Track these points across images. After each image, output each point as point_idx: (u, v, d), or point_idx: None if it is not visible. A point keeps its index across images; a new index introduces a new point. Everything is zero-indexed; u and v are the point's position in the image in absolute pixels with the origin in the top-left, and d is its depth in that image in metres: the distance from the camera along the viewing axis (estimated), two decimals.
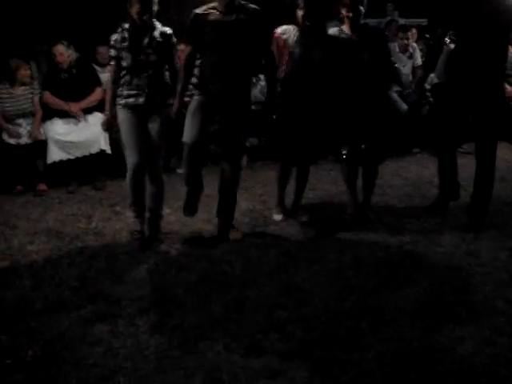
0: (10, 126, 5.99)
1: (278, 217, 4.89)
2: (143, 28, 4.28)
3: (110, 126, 4.56)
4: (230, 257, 4.11)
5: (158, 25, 4.35)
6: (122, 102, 4.36)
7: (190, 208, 4.54)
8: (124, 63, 4.31)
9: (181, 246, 4.40)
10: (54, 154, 5.89)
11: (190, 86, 4.68)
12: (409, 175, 6.09)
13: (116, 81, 4.39)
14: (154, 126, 4.37)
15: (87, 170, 6.03)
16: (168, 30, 4.37)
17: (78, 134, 5.77)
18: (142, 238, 4.45)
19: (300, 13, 4.41)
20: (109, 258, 4.19)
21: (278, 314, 3.30)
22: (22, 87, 6.06)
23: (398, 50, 7.32)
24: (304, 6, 4.38)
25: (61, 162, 5.93)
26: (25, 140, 5.96)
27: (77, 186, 5.96)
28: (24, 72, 6.01)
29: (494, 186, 5.63)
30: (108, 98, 4.52)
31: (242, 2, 4.23)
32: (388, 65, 4.67)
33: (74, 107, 6.00)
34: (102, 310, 3.45)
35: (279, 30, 4.56)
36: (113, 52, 4.38)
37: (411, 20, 9.10)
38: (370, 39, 4.55)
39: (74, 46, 6.14)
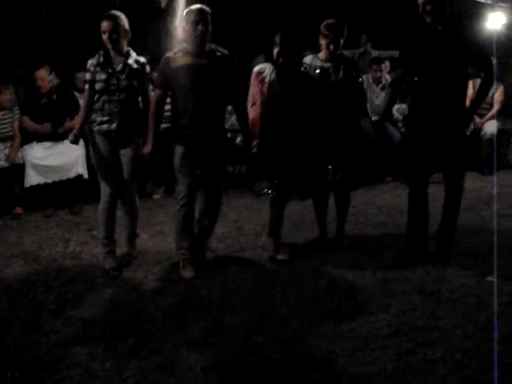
0: None
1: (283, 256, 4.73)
2: (117, 54, 4.34)
3: (76, 139, 4.51)
4: (207, 282, 4.17)
5: (133, 53, 4.43)
6: (96, 128, 4.40)
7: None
8: (97, 86, 4.36)
9: (158, 270, 4.44)
10: (32, 178, 5.92)
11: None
12: (382, 203, 6.21)
13: (89, 103, 4.43)
14: (126, 153, 4.41)
15: (64, 195, 6.06)
16: (142, 59, 4.44)
17: (55, 159, 5.81)
18: (119, 272, 4.43)
19: (276, 50, 4.47)
20: (86, 282, 4.24)
21: (255, 338, 3.36)
22: (2, 111, 6.11)
23: (371, 81, 7.51)
24: (279, 43, 4.45)
25: (38, 185, 5.96)
26: (2, 163, 5.99)
27: (54, 210, 5.99)
28: (4, 97, 6.06)
29: (463, 214, 5.82)
30: (80, 116, 4.54)
31: (213, 46, 4.32)
32: (358, 94, 4.79)
33: (45, 127, 6.09)
34: (80, 333, 3.48)
35: (256, 68, 4.63)
36: (88, 76, 4.42)
37: (384, 52, 9.29)
38: (344, 68, 4.62)
39: (55, 72, 6.19)
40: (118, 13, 4.33)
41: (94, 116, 4.41)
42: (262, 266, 4.52)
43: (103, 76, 4.33)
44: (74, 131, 4.49)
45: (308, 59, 4.69)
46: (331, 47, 4.54)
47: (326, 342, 3.32)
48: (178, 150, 4.33)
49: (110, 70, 4.33)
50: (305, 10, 9.79)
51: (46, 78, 6.02)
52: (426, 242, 4.63)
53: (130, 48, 4.41)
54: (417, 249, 4.60)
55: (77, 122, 4.65)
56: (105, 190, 4.46)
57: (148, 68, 4.48)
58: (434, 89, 4.36)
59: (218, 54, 4.31)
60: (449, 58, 4.29)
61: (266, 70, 4.54)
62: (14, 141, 6.11)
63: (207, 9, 4.24)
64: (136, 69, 4.36)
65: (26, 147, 6.10)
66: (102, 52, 4.39)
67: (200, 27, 4.14)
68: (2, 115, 6.12)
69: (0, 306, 3.86)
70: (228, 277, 4.28)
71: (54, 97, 6.07)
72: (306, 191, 4.81)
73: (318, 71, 4.59)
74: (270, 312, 3.69)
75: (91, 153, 4.56)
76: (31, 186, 5.95)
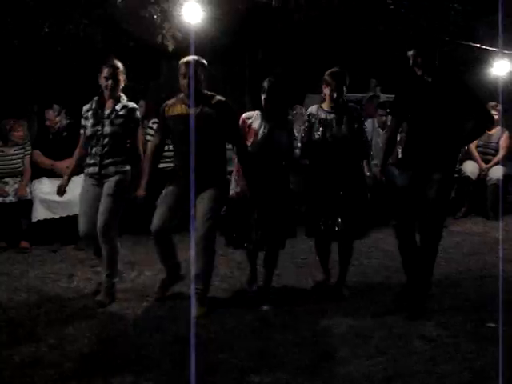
0: None
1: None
2: (109, 98, 4.51)
3: (61, 191, 4.72)
4: (206, 320, 4.20)
5: (124, 99, 4.58)
6: (85, 170, 4.61)
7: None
8: (87, 132, 4.54)
9: (159, 306, 4.47)
10: (40, 213, 6.01)
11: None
12: (387, 247, 6.19)
13: (81, 148, 4.65)
14: (104, 191, 4.52)
15: (70, 230, 6.12)
16: (130, 105, 4.58)
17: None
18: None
19: (263, 96, 4.57)
20: (87, 317, 4.28)
21: (251, 378, 3.37)
22: (15, 147, 6.24)
23: (377, 125, 7.60)
24: (266, 90, 4.54)
25: (45, 220, 6.04)
26: (10, 198, 6.08)
27: (60, 245, 6.07)
28: (17, 133, 6.19)
29: (468, 259, 5.84)
30: (71, 162, 4.76)
31: (209, 93, 4.43)
32: (361, 142, 4.82)
33: (60, 164, 6.14)
34: (78, 367, 3.50)
35: (245, 114, 4.72)
36: (82, 121, 4.61)
37: (392, 96, 9.39)
38: (347, 120, 4.70)
39: (67, 108, 6.33)
40: (119, 63, 4.51)
41: (87, 159, 4.59)
42: (264, 305, 4.51)
43: (92, 121, 4.50)
44: (62, 181, 4.70)
45: (313, 109, 4.80)
46: (335, 95, 4.63)
47: None
48: (167, 187, 4.49)
49: (98, 116, 4.50)
50: (316, 53, 9.97)
51: (53, 119, 6.19)
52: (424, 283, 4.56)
53: (122, 94, 4.57)
54: (414, 290, 4.53)
55: (69, 167, 4.80)
56: (80, 230, 4.59)
57: (138, 113, 4.63)
58: (423, 137, 4.43)
59: (213, 101, 4.40)
60: (438, 109, 4.36)
61: (253, 117, 4.64)
62: (23, 175, 6.22)
63: (199, 60, 4.37)
64: (122, 115, 4.51)
65: (35, 182, 6.21)
66: (96, 98, 4.57)
67: (187, 80, 4.29)
68: (14, 151, 6.24)
69: (0, 339, 3.89)
70: (228, 316, 4.30)
71: (64, 134, 6.20)
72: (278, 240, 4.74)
73: (320, 129, 4.68)
74: (267, 353, 3.70)
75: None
76: (38, 221, 6.04)
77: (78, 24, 6.32)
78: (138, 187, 4.58)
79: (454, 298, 4.73)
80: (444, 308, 4.52)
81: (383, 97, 9.79)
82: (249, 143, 4.59)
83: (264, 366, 3.53)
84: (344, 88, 4.66)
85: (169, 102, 4.49)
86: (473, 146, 7.57)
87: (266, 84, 4.56)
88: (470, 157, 7.71)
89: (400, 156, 6.20)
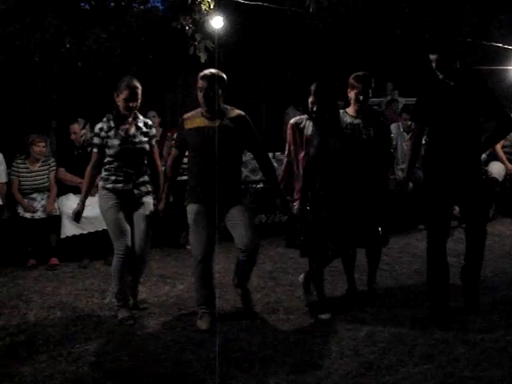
0: (26, 201, 6.12)
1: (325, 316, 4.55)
2: (127, 117, 4.49)
3: (78, 217, 4.64)
4: (246, 334, 4.16)
5: (140, 115, 4.59)
6: (109, 186, 4.49)
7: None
8: (110, 151, 4.46)
9: (196, 321, 4.40)
10: (68, 229, 5.99)
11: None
12: (416, 251, 6.14)
13: (95, 168, 4.56)
14: (139, 213, 4.54)
15: (99, 245, 6.11)
16: (149, 122, 4.64)
17: (91, 210, 5.84)
18: (133, 321, 4.47)
19: (310, 99, 4.46)
20: (125, 334, 4.24)
21: None
22: (39, 163, 6.23)
23: (401, 129, 7.55)
24: (313, 93, 4.44)
25: (73, 236, 6.02)
26: (39, 214, 6.07)
27: (89, 260, 6.05)
28: (38, 148, 6.17)
29: (500, 261, 5.77)
30: (85, 184, 4.64)
31: (228, 107, 4.40)
32: (387, 148, 4.79)
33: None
34: None
35: (293, 120, 4.64)
36: (97, 140, 4.50)
37: (410, 99, 9.37)
38: (373, 124, 4.66)
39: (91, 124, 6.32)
40: (137, 83, 4.46)
41: (106, 174, 4.51)
42: (301, 317, 4.47)
43: (117, 140, 4.44)
44: (77, 208, 4.62)
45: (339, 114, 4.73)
46: (361, 98, 4.58)
47: None
48: (191, 208, 4.38)
49: (122, 134, 4.46)
50: (331, 59, 9.96)
51: (78, 132, 6.18)
52: (447, 294, 4.48)
53: (136, 111, 4.54)
54: (440, 303, 4.47)
55: (83, 189, 4.70)
56: (118, 247, 4.48)
57: (154, 130, 4.68)
58: (447, 141, 4.39)
59: (231, 115, 4.37)
60: (460, 113, 4.32)
61: (303, 122, 4.56)
62: (50, 192, 6.21)
63: (218, 74, 4.31)
64: (146, 132, 4.56)
65: (62, 198, 6.20)
66: (111, 116, 4.52)
67: (206, 94, 4.25)
68: (39, 167, 6.23)
69: (39, 359, 3.86)
70: (267, 328, 4.26)
71: (89, 149, 6.18)
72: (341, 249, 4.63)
73: (345, 129, 4.61)
74: (312, 364, 3.65)
75: (101, 211, 4.60)
76: (66, 237, 6.02)
77: (97, 39, 6.31)
78: (158, 201, 4.60)
79: (492, 301, 4.66)
80: (479, 311, 4.45)
81: (402, 100, 9.77)
82: (304, 151, 4.50)
83: (311, 378, 3.49)
84: (370, 91, 4.62)
85: (188, 115, 4.45)
86: (499, 146, 7.48)
87: (313, 87, 4.45)
88: (496, 158, 7.62)
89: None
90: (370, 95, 4.66)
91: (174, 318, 4.51)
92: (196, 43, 5.68)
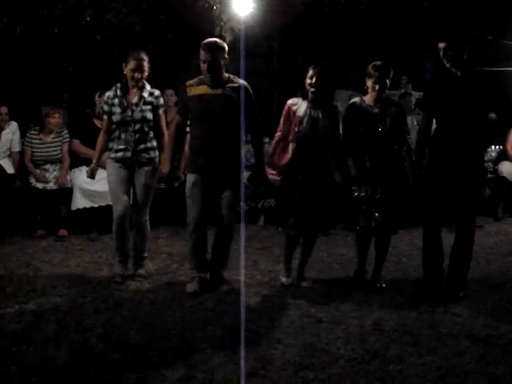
0: (38, 171, 6.13)
1: (285, 280, 4.89)
2: (134, 87, 4.63)
3: (93, 174, 4.86)
4: (253, 315, 4.19)
5: (147, 86, 4.71)
6: (112, 155, 4.73)
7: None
8: (113, 119, 4.66)
9: (204, 300, 4.45)
10: (79, 202, 6.02)
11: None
12: None
13: (106, 133, 4.76)
14: (139, 180, 4.73)
15: (108, 219, 6.11)
16: (156, 92, 4.74)
17: (103, 184, 5.87)
18: (122, 282, 4.75)
19: (308, 80, 4.58)
20: (134, 308, 4.28)
21: (305, 374, 3.35)
22: (52, 134, 6.25)
23: (415, 123, 7.55)
24: (311, 76, 4.56)
25: (83, 209, 6.05)
26: (51, 185, 6.09)
27: (97, 234, 6.07)
28: (53, 119, 6.18)
29: (506, 260, 5.79)
30: (97, 148, 4.87)
31: (231, 77, 4.46)
32: (404, 138, 4.79)
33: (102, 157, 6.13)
34: (129, 358, 3.50)
35: (290, 101, 4.72)
36: (105, 107, 4.74)
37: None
38: (391, 112, 4.69)
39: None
40: (145, 55, 4.62)
41: (110, 144, 4.74)
42: (307, 302, 4.50)
43: (119, 108, 4.62)
44: (92, 165, 4.83)
45: (356, 101, 4.76)
46: (377, 87, 4.61)
47: (375, 383, 3.30)
48: (190, 178, 4.51)
49: (125, 103, 4.62)
50: (347, 50, 9.91)
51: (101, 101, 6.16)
52: (441, 280, 4.68)
53: (145, 81, 4.67)
54: (433, 288, 4.67)
55: (95, 152, 4.92)
56: (114, 212, 4.76)
57: (162, 100, 4.79)
58: (453, 132, 4.44)
59: (234, 84, 4.43)
60: (466, 103, 4.37)
61: (298, 103, 4.65)
62: (63, 164, 6.23)
63: (219, 43, 4.41)
64: (150, 101, 4.68)
65: (75, 170, 6.21)
66: (118, 85, 4.70)
67: (209, 65, 4.31)
68: (52, 138, 6.24)
69: (48, 327, 3.90)
70: (274, 310, 4.29)
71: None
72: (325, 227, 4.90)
73: (364, 123, 4.65)
74: (319, 349, 3.68)
75: (106, 177, 4.85)
76: (76, 209, 6.04)
77: (117, 14, 6.29)
78: (162, 167, 4.71)
79: (497, 299, 4.68)
80: (487, 309, 4.47)
81: (415, 94, 9.74)
82: (293, 130, 4.60)
83: (317, 362, 3.51)
84: (387, 81, 4.64)
85: (190, 82, 4.51)
86: (509, 146, 7.49)
87: (311, 70, 4.56)
88: (506, 157, 7.61)
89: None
90: (388, 85, 4.68)
91: (183, 296, 4.53)
92: (223, 23, 5.67)
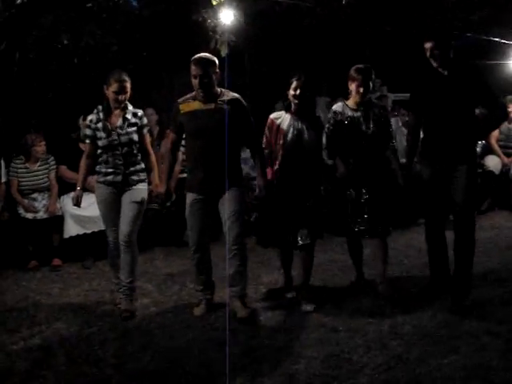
0: (26, 201, 5.98)
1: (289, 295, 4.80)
2: (117, 109, 4.54)
3: (78, 202, 4.75)
4: (268, 330, 4.12)
5: (130, 106, 4.61)
6: (101, 179, 4.61)
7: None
8: (99, 143, 4.56)
9: (214, 320, 4.34)
10: (71, 229, 5.87)
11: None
12: (421, 246, 6.02)
13: (89, 158, 4.67)
14: (127, 198, 4.58)
15: (101, 245, 5.98)
16: (139, 112, 4.65)
17: (94, 209, 5.70)
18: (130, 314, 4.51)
19: (291, 92, 4.49)
20: (143, 334, 4.15)
21: None
22: (38, 162, 6.09)
23: (400, 124, 7.57)
24: (295, 87, 4.46)
25: (76, 236, 5.90)
26: (41, 215, 5.93)
27: (92, 261, 5.91)
28: (39, 148, 6.04)
29: (506, 253, 5.80)
30: (80, 173, 4.78)
31: (223, 90, 4.39)
32: (388, 139, 4.79)
33: (91, 178, 5.99)
34: None
35: (273, 115, 4.67)
36: (88, 131, 4.64)
37: (399, 95, 9.39)
38: (375, 114, 4.69)
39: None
40: (126, 76, 4.51)
41: (98, 167, 4.64)
42: (319, 311, 4.43)
43: (104, 133, 4.52)
44: (77, 192, 4.73)
45: (338, 107, 4.74)
46: (361, 90, 4.59)
47: None
48: (189, 197, 4.42)
49: (109, 127, 4.53)
50: (317, 57, 9.92)
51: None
52: (448, 278, 4.65)
53: (127, 102, 4.58)
54: (439, 287, 4.67)
55: (78, 177, 4.82)
56: (108, 237, 4.70)
57: (145, 119, 4.70)
58: (442, 130, 4.45)
59: (227, 97, 4.35)
60: (454, 101, 4.38)
61: (281, 116, 4.60)
62: (51, 191, 6.07)
63: (210, 58, 4.33)
64: (134, 122, 4.59)
65: (65, 197, 6.05)
66: (100, 107, 4.60)
67: (201, 80, 4.24)
68: (38, 166, 6.09)
69: (58, 361, 3.76)
70: (288, 323, 4.22)
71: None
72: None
73: (346, 122, 4.64)
74: (342, 359, 3.62)
75: (96, 201, 4.75)
76: (69, 237, 5.89)
77: (93, 35, 6.19)
78: (156, 186, 4.67)
79: (504, 292, 4.66)
80: (495, 303, 4.47)
81: (391, 96, 9.77)
82: (279, 144, 4.54)
83: (342, 372, 3.46)
84: (370, 83, 4.63)
85: (182, 99, 4.43)
86: (494, 140, 7.55)
87: (295, 82, 4.47)
88: (490, 151, 7.67)
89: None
90: (371, 87, 4.68)
91: (191, 317, 4.42)
92: (218, 36, 5.60)
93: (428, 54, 4.40)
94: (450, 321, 4.15)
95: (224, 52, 5.68)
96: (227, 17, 5.52)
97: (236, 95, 4.40)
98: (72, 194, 5.89)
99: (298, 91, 4.46)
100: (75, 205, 4.79)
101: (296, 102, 4.50)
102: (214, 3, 5.34)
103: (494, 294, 4.63)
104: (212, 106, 4.32)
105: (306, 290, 4.64)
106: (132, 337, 4.10)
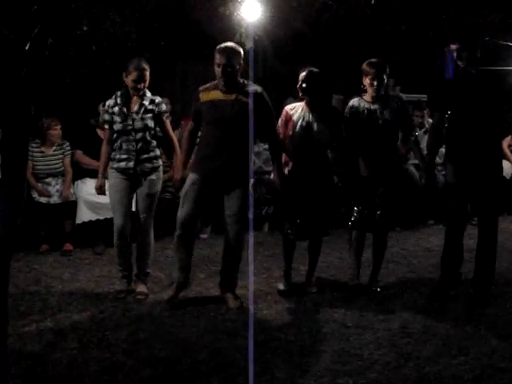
0: (40, 185, 6.00)
1: (282, 287, 4.84)
2: (134, 95, 4.55)
3: (102, 190, 4.79)
4: (278, 323, 4.15)
5: (148, 93, 4.62)
6: (115, 165, 4.62)
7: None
8: (114, 127, 4.58)
9: (225, 311, 4.38)
10: (84, 215, 5.90)
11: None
12: (430, 246, 6.18)
13: (109, 144, 4.67)
14: (142, 189, 4.61)
15: (113, 232, 6.00)
16: (157, 99, 4.65)
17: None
18: (126, 297, 4.62)
19: (299, 85, 4.54)
20: (155, 321, 4.18)
21: (344, 380, 3.31)
22: (54, 147, 6.11)
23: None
24: (304, 80, 4.51)
25: (88, 222, 5.92)
26: (54, 199, 5.96)
27: (103, 247, 5.94)
28: (54, 131, 6.05)
29: (508, 257, 5.83)
30: (101, 160, 4.79)
31: (245, 82, 4.38)
32: (410, 128, 4.82)
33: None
34: (160, 374, 3.41)
35: (288, 106, 4.73)
36: (106, 116, 4.67)
37: (412, 95, 9.37)
38: (392, 106, 4.69)
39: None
40: (146, 65, 4.54)
41: (112, 154, 4.64)
42: (329, 307, 4.48)
43: (120, 117, 4.54)
44: (99, 180, 4.77)
45: (355, 101, 4.76)
46: (375, 83, 4.60)
47: None
48: (189, 177, 4.43)
49: (125, 111, 4.53)
50: (333, 53, 9.91)
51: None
52: (459, 280, 4.74)
53: (146, 89, 4.60)
54: (450, 286, 4.71)
55: (100, 164, 4.84)
56: (115, 224, 4.69)
57: (164, 106, 4.71)
58: (468, 132, 4.47)
59: (248, 90, 4.33)
60: (482, 101, 4.41)
61: (295, 108, 4.66)
62: (65, 177, 6.09)
63: (236, 48, 4.33)
64: (151, 109, 4.59)
65: (78, 183, 6.08)
66: (118, 93, 4.62)
67: (224, 69, 4.24)
68: (53, 151, 6.11)
69: (70, 345, 3.78)
70: (298, 317, 4.25)
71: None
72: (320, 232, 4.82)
73: (364, 113, 4.66)
74: (352, 354, 3.64)
75: (107, 189, 4.77)
76: (82, 222, 5.92)
77: (113, 23, 6.21)
78: (175, 172, 4.71)
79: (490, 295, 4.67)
80: (505, 306, 4.49)
81: (403, 96, 9.75)
82: (288, 135, 4.60)
83: (352, 368, 3.47)
84: (384, 76, 4.63)
85: (203, 88, 4.44)
86: (506, 145, 7.55)
87: (303, 74, 4.52)
88: (503, 156, 7.67)
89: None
90: (385, 81, 4.67)
91: (202, 307, 4.45)
92: (243, 30, 5.61)
93: (455, 55, 4.46)
94: (459, 321, 4.17)
95: (249, 46, 5.69)
96: (254, 11, 5.52)
97: (259, 88, 4.39)
98: (86, 180, 6.02)
99: (304, 84, 4.51)
100: (99, 193, 4.84)
101: (301, 94, 4.57)
102: None
103: (503, 297, 4.66)
104: (232, 96, 4.31)
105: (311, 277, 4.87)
106: (143, 324, 4.13)
